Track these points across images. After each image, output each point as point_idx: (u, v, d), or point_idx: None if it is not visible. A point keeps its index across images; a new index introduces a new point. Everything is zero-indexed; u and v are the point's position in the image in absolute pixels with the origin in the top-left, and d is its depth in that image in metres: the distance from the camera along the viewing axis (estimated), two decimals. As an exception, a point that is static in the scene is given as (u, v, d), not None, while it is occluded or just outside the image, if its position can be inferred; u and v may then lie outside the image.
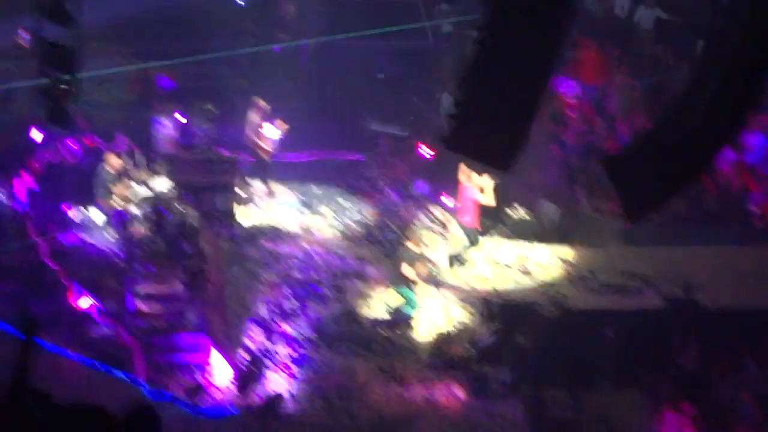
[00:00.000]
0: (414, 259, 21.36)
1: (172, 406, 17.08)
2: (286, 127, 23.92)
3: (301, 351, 20.17)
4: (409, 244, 21.64)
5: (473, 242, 22.69)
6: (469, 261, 23.02)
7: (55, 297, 19.84)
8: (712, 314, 20.94)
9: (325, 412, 18.83)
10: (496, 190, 22.23)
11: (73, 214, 22.04)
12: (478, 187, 21.89)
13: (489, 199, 22.05)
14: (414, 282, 21.07)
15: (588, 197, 22.52)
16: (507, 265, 22.72)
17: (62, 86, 18.97)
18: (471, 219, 22.17)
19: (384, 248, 22.81)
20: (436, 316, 21.02)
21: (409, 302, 21.13)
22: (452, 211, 23.99)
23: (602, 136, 23.76)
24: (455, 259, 22.94)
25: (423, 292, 21.54)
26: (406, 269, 21.15)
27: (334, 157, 25.01)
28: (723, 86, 16.14)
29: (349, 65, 27.12)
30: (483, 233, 23.27)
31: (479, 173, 22.09)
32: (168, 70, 25.68)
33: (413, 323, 20.93)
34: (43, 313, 18.95)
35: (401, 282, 21.32)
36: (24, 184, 22.17)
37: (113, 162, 22.16)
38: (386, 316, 21.50)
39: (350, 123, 25.35)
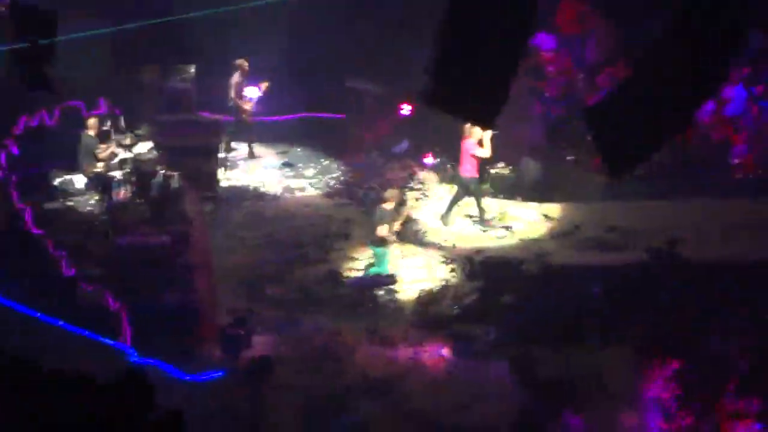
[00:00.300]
0: (391, 218, 21.38)
1: (159, 371, 16.87)
2: (266, 85, 23.34)
3: (287, 313, 20.20)
4: (385, 204, 21.59)
5: (475, 192, 22.65)
6: (452, 219, 23.01)
7: (40, 262, 19.78)
8: (697, 267, 20.94)
9: (311, 374, 18.73)
10: (493, 140, 22.20)
11: (56, 178, 22.06)
12: (477, 139, 21.96)
13: (486, 151, 22.10)
14: (389, 242, 21.16)
15: (570, 152, 22.53)
16: (493, 224, 22.85)
17: (39, 49, 19.77)
18: (471, 170, 22.16)
19: (367, 208, 22.77)
20: (419, 276, 21.12)
21: (382, 262, 21.29)
22: (434, 169, 24.38)
23: (583, 88, 23.50)
24: (448, 215, 22.89)
25: (403, 252, 21.81)
26: (381, 229, 21.16)
27: (315, 116, 24.49)
28: (705, 35, 16.44)
29: (330, 21, 25.61)
30: (483, 183, 23.38)
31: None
32: (147, 31, 25.39)
33: (397, 283, 20.95)
34: (28, 280, 19.08)
35: (378, 242, 21.38)
36: (5, 149, 22.18)
37: (94, 125, 22.06)
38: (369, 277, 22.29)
39: (332, 82, 24.79)
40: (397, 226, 21.30)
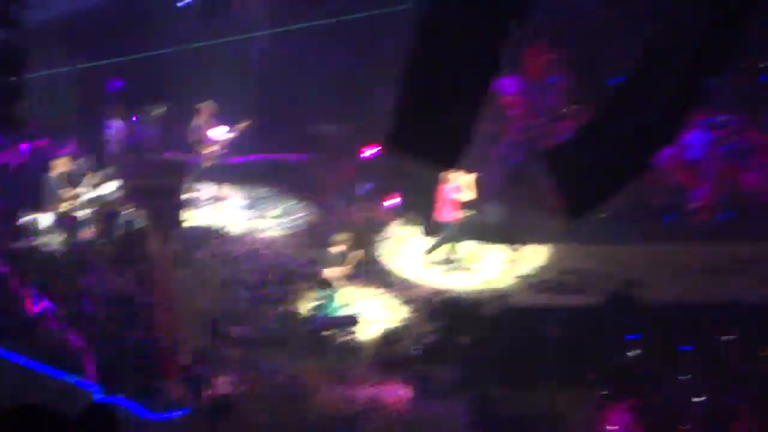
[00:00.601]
0: (339, 261, 21.56)
1: (123, 409, 16.97)
2: (245, 124, 23.54)
3: (249, 352, 20.26)
4: (333, 247, 21.63)
5: (454, 237, 22.73)
6: (434, 261, 23.05)
7: (6, 300, 20.12)
8: (653, 310, 20.96)
9: (272, 412, 18.85)
10: (478, 181, 22.39)
11: (23, 216, 22.15)
12: (458, 184, 22.05)
13: (471, 194, 22.12)
14: (333, 284, 21.21)
15: (531, 195, 22.07)
16: (450, 264, 23.09)
17: (7, 88, 19.63)
18: (450, 215, 22.33)
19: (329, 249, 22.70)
20: (380, 316, 21.20)
21: (330, 303, 21.18)
22: (395, 211, 24.47)
23: (544, 133, 23.66)
24: (439, 258, 22.87)
25: (365, 293, 21.82)
26: (326, 272, 21.36)
27: (280, 158, 24.90)
28: (667, 84, 16.60)
29: (295, 63, 25.90)
30: (453, 230, 23.00)
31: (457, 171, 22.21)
32: (115, 70, 24.56)
33: (358, 324, 20.96)
34: None
35: (322, 284, 21.36)
36: None
37: (61, 165, 22.20)
38: (334, 317, 21.52)
39: (296, 123, 25.02)
40: (346, 269, 21.42)
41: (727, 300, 21.35)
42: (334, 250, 21.76)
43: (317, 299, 21.48)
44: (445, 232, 22.72)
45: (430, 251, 23.40)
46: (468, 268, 22.73)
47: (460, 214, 22.39)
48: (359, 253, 22.22)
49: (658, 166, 22.30)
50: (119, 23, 26.39)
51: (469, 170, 22.19)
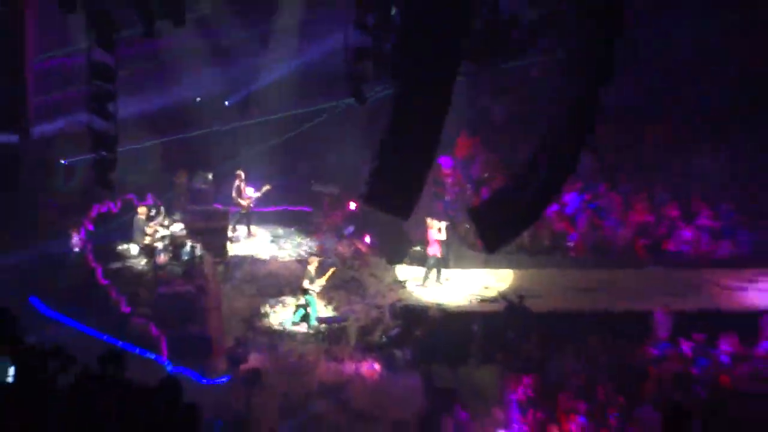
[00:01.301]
0: (313, 275, 21.24)
1: (186, 378, 17.23)
2: (267, 188, 23.67)
3: (271, 340, 20.67)
4: (309, 266, 21.38)
5: (438, 267, 22.73)
6: (426, 283, 22.88)
7: (106, 303, 20.25)
8: (542, 315, 21.50)
9: (286, 381, 19.19)
10: (448, 229, 22.50)
11: (118, 246, 22.54)
12: (437, 228, 22.11)
13: (443, 235, 22.24)
14: (310, 292, 21.03)
15: (462, 237, 23.19)
16: (409, 283, 22.94)
17: (106, 161, 20.40)
18: (435, 251, 22.28)
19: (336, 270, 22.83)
20: (360, 316, 21.56)
21: (310, 305, 21.25)
22: (367, 245, 24.49)
23: (470, 195, 24.33)
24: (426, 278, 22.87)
25: (350, 300, 22.03)
26: (304, 282, 21.32)
27: (293, 209, 25.30)
28: (549, 164, 17.33)
29: (305, 142, 25.96)
30: (426, 262, 23.15)
31: (438, 220, 22.51)
32: (181, 144, 25.27)
33: (347, 321, 21.35)
34: (97, 315, 19.57)
35: (301, 291, 21.23)
36: (82, 231, 22.34)
37: (143, 212, 22.46)
38: (327, 315, 21.79)
39: (303, 185, 25.42)
40: (321, 281, 21.13)
41: (593, 309, 21.53)
42: (309, 268, 21.57)
43: (304, 303, 21.44)
44: (429, 262, 22.58)
45: (424, 278, 22.91)
46: (421, 286, 22.68)
47: (439, 250, 22.39)
48: (328, 271, 21.85)
49: (546, 216, 22.90)
50: (186, 112, 26.27)
51: (441, 219, 22.53)
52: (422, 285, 22.87)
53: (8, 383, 8.49)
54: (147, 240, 22.26)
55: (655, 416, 18.42)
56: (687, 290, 22.56)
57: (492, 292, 22.28)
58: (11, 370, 8.20)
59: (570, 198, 24.77)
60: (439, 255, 22.59)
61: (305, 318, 21.48)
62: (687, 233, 24.77)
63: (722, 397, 19.27)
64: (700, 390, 19.40)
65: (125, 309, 20.25)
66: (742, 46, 26.19)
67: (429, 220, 22.64)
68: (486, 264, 23.34)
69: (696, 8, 26.43)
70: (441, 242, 22.55)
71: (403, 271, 23.74)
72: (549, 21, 18.88)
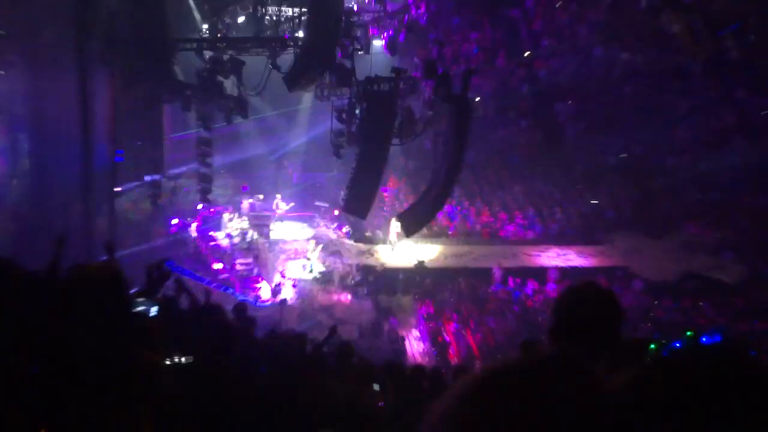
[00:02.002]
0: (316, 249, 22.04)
1: (250, 304, 16.74)
2: (292, 204, 24.55)
3: (294, 283, 21.23)
4: (311, 245, 22.16)
5: (393, 245, 22.89)
6: (372, 250, 23.00)
7: (207, 265, 21.13)
8: (434, 269, 22.32)
9: (301, 304, 20.32)
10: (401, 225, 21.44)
11: (213, 234, 22.77)
12: (396, 224, 21.85)
13: (396, 228, 22.11)
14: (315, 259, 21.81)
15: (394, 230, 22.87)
16: (367, 251, 23.19)
17: (206, 188, 21.88)
18: (394, 237, 22.59)
19: (325, 247, 22.82)
20: (340, 270, 21.92)
21: (313, 264, 21.81)
22: (348, 237, 24.14)
23: (398, 207, 24.60)
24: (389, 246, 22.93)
25: (334, 264, 22.20)
26: (309, 253, 21.97)
27: (306, 214, 25.46)
28: (438, 191, 19.34)
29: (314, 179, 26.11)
30: (376, 242, 23.57)
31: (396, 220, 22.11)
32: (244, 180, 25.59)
33: (332, 273, 21.79)
34: (203, 271, 20.68)
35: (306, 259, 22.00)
36: (196, 224, 22.75)
37: (226, 216, 23.04)
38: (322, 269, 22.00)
39: (310, 202, 25.60)
40: (316, 252, 21.91)
41: (462, 266, 22.49)
42: (313, 246, 22.23)
43: (310, 263, 21.80)
44: (392, 243, 22.84)
45: (392, 248, 22.88)
46: (372, 253, 22.97)
47: (396, 236, 22.37)
48: (321, 246, 22.42)
49: (437, 218, 22.49)
50: (249, 162, 26.02)
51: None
52: (391, 251, 22.83)
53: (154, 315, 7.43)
54: (228, 231, 22.83)
55: (493, 323, 19.97)
56: (510, 256, 22.95)
57: (412, 258, 22.52)
58: (154, 309, 7.53)
59: (449, 209, 24.15)
60: (390, 238, 23.01)
61: (311, 271, 21.80)
62: (510, 227, 24.79)
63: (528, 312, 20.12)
64: (516, 308, 20.63)
65: (217, 267, 21.26)
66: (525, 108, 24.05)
67: (392, 220, 22.75)
68: (415, 242, 23.15)
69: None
70: (392, 232, 22.88)
71: (363, 247, 23.55)
72: (434, 119, 20.38)
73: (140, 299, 7.51)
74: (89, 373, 3.10)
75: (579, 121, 21.85)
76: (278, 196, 24.56)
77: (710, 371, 1.34)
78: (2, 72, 19.55)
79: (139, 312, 7.01)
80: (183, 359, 5.87)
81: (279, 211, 24.34)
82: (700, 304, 19.73)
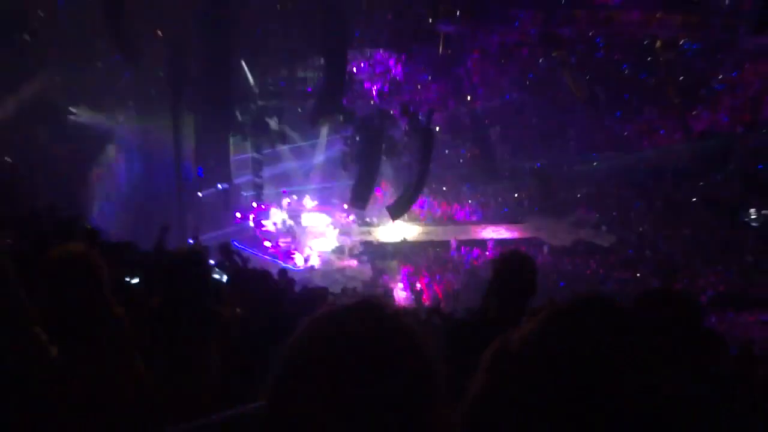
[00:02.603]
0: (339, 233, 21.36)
1: (289, 269, 13.33)
2: (315, 202, 23.03)
3: (319, 254, 21.13)
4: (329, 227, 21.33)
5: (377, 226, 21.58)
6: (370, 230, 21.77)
7: (260, 243, 20.75)
8: (414, 242, 21.87)
9: (323, 267, 20.43)
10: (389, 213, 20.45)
11: (263, 221, 21.86)
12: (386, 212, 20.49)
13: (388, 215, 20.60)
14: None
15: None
16: (366, 231, 22.26)
17: (259, 194, 21.91)
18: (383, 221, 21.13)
19: (339, 229, 22.08)
20: (349, 244, 21.86)
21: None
22: (354, 222, 22.54)
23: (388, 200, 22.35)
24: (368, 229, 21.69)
25: (342, 240, 21.75)
26: (330, 234, 21.56)
27: (325, 208, 23.36)
28: (413, 190, 19.36)
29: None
30: (372, 225, 22.33)
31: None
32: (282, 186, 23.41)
33: (346, 246, 21.57)
34: (257, 248, 19.86)
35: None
36: (252, 216, 21.85)
37: (272, 210, 22.08)
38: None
39: (328, 200, 23.55)
40: (334, 233, 21.23)
41: (430, 240, 22.02)
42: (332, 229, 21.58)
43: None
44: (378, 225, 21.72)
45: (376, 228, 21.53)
46: (369, 232, 22.20)
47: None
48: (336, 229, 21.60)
49: (415, 206, 21.22)
50: (286, 174, 23.84)
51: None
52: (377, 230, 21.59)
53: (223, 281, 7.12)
54: (273, 220, 22.07)
55: (451, 277, 20.50)
56: (462, 233, 22.27)
57: (397, 235, 22.07)
58: (225, 278, 7.07)
59: (420, 202, 21.95)
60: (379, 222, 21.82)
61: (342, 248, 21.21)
62: (461, 213, 23.46)
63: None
64: (467, 267, 20.76)
65: (267, 245, 21.00)
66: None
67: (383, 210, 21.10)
68: (402, 224, 21.69)
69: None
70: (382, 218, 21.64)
71: (364, 229, 22.44)
72: (409, 143, 20.48)
73: (216, 270, 7.20)
74: (184, 322, 3.08)
75: (504, 141, 22.38)
76: (307, 196, 23.49)
77: (582, 315, 1.07)
78: (122, 117, 20.78)
79: (215, 279, 6.71)
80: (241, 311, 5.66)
81: (307, 207, 23.22)
82: (590, 261, 20.46)
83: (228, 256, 7.37)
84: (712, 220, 18.13)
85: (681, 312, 2.15)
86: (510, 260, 3.08)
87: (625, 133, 20.49)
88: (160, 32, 18.24)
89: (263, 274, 6.94)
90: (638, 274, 18.33)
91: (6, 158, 13.96)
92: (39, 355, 2.25)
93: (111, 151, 19.81)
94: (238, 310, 4.31)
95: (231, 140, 20.23)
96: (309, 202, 23.03)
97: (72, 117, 18.30)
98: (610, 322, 1.07)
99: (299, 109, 20.76)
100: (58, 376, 2.28)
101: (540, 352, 1.04)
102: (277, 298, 6.22)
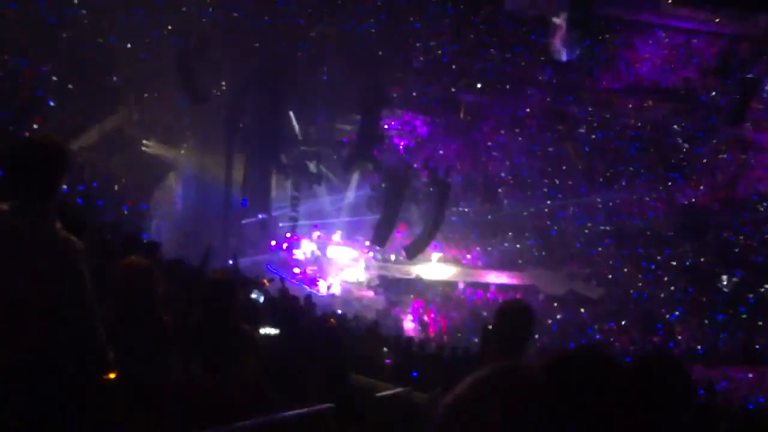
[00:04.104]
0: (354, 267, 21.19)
1: (313, 295, 13.58)
2: (341, 234, 22.62)
3: (341, 283, 21.16)
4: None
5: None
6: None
7: (290, 269, 20.77)
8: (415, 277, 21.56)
9: (343, 295, 20.49)
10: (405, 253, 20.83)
11: (295, 252, 21.79)
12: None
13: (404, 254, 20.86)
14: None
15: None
16: (384, 266, 22.15)
17: (294, 226, 21.96)
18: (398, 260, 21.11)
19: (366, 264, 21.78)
20: (368, 277, 21.83)
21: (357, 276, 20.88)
22: (374, 258, 22.47)
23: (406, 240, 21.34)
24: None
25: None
26: (358, 267, 21.29)
27: (349, 243, 23.04)
28: (432, 229, 20.34)
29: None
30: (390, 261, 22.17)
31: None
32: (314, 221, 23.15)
33: (365, 281, 21.37)
34: (287, 273, 19.25)
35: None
36: (286, 245, 21.83)
37: (303, 242, 22.05)
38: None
39: (353, 236, 23.34)
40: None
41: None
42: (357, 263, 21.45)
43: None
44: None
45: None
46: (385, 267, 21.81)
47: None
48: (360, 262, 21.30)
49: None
50: (319, 211, 23.67)
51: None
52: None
53: (260, 302, 7.19)
54: (303, 250, 22.06)
55: (455, 313, 20.64)
56: (468, 276, 22.41)
57: (412, 273, 22.01)
58: (262, 298, 7.17)
59: (434, 245, 21.83)
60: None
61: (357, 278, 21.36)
62: (468, 258, 23.19)
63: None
64: (469, 306, 20.66)
65: (296, 271, 21.09)
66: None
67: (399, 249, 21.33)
68: (413, 263, 21.69)
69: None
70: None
71: (382, 264, 22.44)
72: (429, 192, 20.91)
73: (254, 290, 7.42)
74: (213, 332, 3.19)
75: (510, 198, 23.41)
76: (339, 232, 23.37)
77: (578, 365, 1.29)
78: (184, 150, 22.94)
79: (252, 298, 6.97)
80: (271, 331, 5.84)
81: (334, 240, 23.07)
82: (580, 309, 21.24)
83: (283, 292, 8.60)
84: (689, 283, 19.41)
85: (677, 380, 2.07)
86: (512, 309, 3.10)
87: (618, 201, 21.73)
88: (223, 83, 20.38)
89: (291, 299, 7.78)
90: (623, 322, 19.68)
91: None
92: (101, 355, 2.32)
93: (172, 178, 21.34)
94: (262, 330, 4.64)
95: (274, 178, 21.69)
96: (336, 236, 23.11)
97: (143, 148, 20.03)
98: (609, 372, 1.26)
99: (335, 156, 22.00)
100: (116, 375, 2.35)
101: (548, 393, 1.26)
102: (301, 317, 6.93)
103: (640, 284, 20.83)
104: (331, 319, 7.68)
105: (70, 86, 16.31)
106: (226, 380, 3.07)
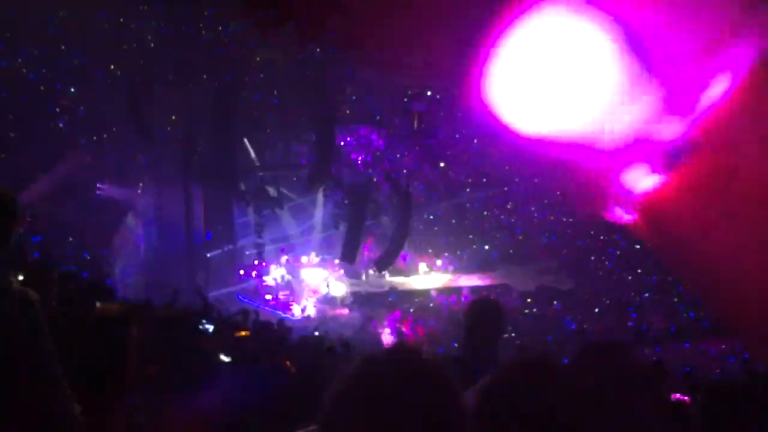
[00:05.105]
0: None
1: (285, 320, 13.15)
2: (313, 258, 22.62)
3: (314, 303, 20.77)
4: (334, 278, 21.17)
5: (368, 277, 21.97)
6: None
7: (262, 296, 20.51)
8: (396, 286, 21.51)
9: (318, 316, 19.97)
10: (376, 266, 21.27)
11: (264, 277, 21.55)
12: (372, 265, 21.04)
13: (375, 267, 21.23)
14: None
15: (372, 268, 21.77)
16: (355, 283, 22.20)
17: (261, 252, 21.86)
18: (370, 273, 21.80)
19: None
20: (341, 295, 21.49)
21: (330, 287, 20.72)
22: (345, 275, 22.23)
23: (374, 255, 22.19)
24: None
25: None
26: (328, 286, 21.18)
27: (319, 265, 23.10)
28: (399, 240, 21.38)
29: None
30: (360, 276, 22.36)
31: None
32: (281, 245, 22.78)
33: (336, 296, 21.18)
34: (257, 300, 19.46)
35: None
36: (255, 273, 21.40)
37: (272, 267, 21.82)
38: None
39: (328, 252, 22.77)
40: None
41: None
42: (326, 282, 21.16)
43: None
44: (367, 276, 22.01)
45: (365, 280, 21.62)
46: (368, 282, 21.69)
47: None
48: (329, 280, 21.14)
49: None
50: (286, 238, 23.23)
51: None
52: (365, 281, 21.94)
53: (210, 332, 7.03)
54: (273, 276, 21.73)
55: (432, 321, 19.79)
56: (440, 281, 22.44)
57: (384, 285, 22.04)
58: (211, 328, 7.04)
59: (403, 255, 22.42)
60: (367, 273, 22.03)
61: (327, 293, 21.10)
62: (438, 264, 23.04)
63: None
64: (445, 313, 19.98)
65: (267, 297, 20.55)
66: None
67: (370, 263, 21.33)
68: (385, 276, 22.06)
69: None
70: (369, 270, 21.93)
71: (354, 280, 22.20)
72: (391, 204, 21.35)
73: (204, 320, 7.16)
74: (178, 363, 3.35)
75: (474, 201, 23.67)
76: (312, 253, 23.30)
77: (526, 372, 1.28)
78: (140, 190, 22.06)
79: (199, 329, 6.68)
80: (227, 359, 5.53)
81: (303, 262, 22.98)
82: (554, 302, 20.83)
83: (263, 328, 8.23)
84: (655, 265, 18.81)
85: (614, 360, 2.09)
86: (474, 310, 3.16)
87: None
88: (173, 117, 19.65)
89: (264, 325, 7.88)
90: (596, 310, 19.55)
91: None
92: (65, 412, 2.18)
93: (130, 219, 20.42)
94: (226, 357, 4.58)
95: (234, 206, 21.04)
96: (305, 258, 22.94)
97: (98, 192, 19.40)
98: (547, 382, 1.24)
99: (294, 178, 21.99)
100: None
101: (489, 409, 1.24)
102: (275, 343, 6.78)
103: (608, 271, 21.02)
104: (287, 363, 6.74)
105: (12, 134, 16.06)
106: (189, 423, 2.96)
